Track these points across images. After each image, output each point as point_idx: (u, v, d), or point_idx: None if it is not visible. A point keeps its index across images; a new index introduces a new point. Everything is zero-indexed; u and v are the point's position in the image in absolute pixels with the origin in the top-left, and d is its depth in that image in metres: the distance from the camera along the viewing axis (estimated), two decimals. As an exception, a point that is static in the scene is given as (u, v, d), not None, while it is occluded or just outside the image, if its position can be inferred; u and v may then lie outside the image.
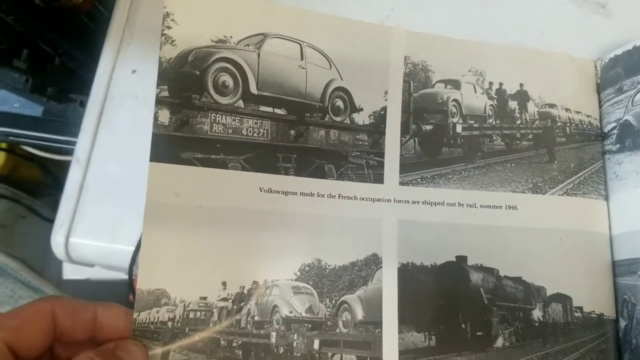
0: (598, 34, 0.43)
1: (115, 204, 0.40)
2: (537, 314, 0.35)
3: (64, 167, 0.51)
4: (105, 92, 0.43)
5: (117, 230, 0.40)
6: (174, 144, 0.32)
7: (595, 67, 0.42)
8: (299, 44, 0.36)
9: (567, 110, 0.40)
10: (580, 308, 0.36)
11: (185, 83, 0.33)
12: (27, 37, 0.49)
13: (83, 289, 0.66)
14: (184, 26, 0.34)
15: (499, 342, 0.35)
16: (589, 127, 0.40)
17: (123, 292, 0.39)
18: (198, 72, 0.33)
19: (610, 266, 0.38)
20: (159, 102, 0.33)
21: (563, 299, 0.36)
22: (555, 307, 0.36)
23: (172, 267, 0.31)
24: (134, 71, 0.43)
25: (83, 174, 0.41)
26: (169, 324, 0.31)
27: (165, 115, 0.33)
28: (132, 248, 0.38)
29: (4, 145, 0.78)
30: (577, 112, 0.40)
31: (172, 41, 0.33)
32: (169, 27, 0.33)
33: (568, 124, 0.40)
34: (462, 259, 0.35)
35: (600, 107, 0.41)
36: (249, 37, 0.35)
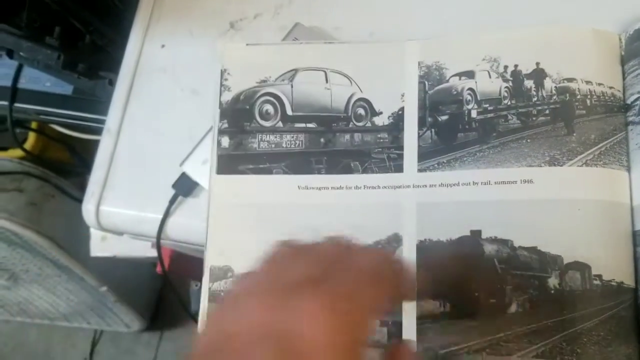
0: (624, 6, 0.41)
1: (144, 174, 0.45)
2: (553, 281, 0.36)
3: (92, 147, 0.53)
4: (135, 66, 0.48)
5: (146, 200, 0.45)
6: (232, 160, 0.43)
7: (620, 39, 0.41)
8: (324, 71, 0.44)
9: (587, 82, 0.40)
10: (600, 276, 0.36)
11: (239, 116, 0.44)
12: (59, 14, 0.52)
13: (110, 266, 0.70)
14: (235, 76, 0.45)
15: (513, 308, 0.37)
16: (612, 98, 0.40)
17: (148, 269, 0.49)
18: (248, 107, 0.44)
19: (631, 236, 0.37)
20: (221, 132, 0.44)
21: (581, 267, 0.36)
22: (572, 274, 0.36)
23: (235, 249, 0.42)
24: (163, 46, 0.48)
25: (114, 144, 0.46)
26: (233, 293, 0.41)
27: (226, 141, 0.44)
28: (160, 216, 0.44)
29: (34, 125, 0.80)
30: (599, 84, 0.40)
31: (229, 88, 0.45)
32: (225, 80, 0.45)
33: (589, 97, 0.39)
34: (476, 233, 0.38)
35: (624, 79, 0.40)
36: (284, 73, 0.44)
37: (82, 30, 0.56)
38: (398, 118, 0.42)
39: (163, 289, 1.27)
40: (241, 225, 0.42)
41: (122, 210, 0.46)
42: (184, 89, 0.49)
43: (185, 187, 0.46)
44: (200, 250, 0.43)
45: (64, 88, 0.66)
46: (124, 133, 0.48)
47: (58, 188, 0.82)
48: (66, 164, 0.88)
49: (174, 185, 0.46)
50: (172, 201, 0.46)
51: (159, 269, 0.56)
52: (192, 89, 0.49)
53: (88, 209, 0.46)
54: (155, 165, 0.46)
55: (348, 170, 0.42)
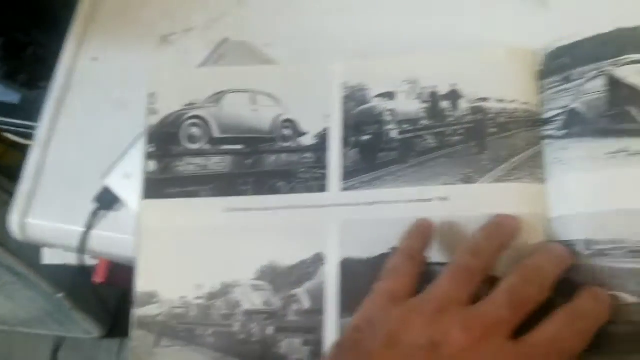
0: (540, 25, 0.43)
1: (70, 187, 0.46)
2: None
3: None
4: (67, 78, 0.49)
5: (71, 213, 0.45)
6: (159, 184, 0.43)
7: (536, 55, 0.43)
8: (251, 93, 0.45)
9: (500, 101, 0.41)
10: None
11: (166, 139, 0.44)
12: (2, 26, 0.54)
13: (67, 273, 0.71)
14: (162, 100, 0.45)
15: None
16: (526, 114, 0.41)
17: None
18: (174, 130, 0.44)
19: None
20: (149, 156, 0.44)
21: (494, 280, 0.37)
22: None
23: (160, 274, 0.42)
24: (95, 59, 0.49)
25: (42, 156, 0.47)
26: (159, 317, 0.41)
27: (153, 165, 0.44)
28: (83, 229, 0.45)
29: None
30: (512, 102, 0.41)
31: (156, 112, 0.45)
32: (152, 103, 0.45)
33: (501, 114, 0.41)
34: (396, 250, 0.39)
35: (540, 93, 0.42)
36: (211, 96, 0.45)
37: (24, 41, 0.57)
38: (323, 138, 0.43)
39: (123, 296, 1.27)
40: (168, 249, 0.43)
41: (47, 223, 0.46)
42: (114, 103, 0.50)
43: (107, 200, 0.46)
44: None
45: (11, 97, 0.66)
46: (53, 145, 0.48)
47: (11, 195, 0.84)
48: (21, 170, 0.88)
49: (96, 199, 0.46)
50: (94, 215, 0.46)
51: (96, 278, 0.56)
52: (122, 103, 0.49)
53: (13, 220, 0.46)
54: (82, 179, 0.47)
55: (274, 190, 0.43)
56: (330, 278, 0.40)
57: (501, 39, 0.44)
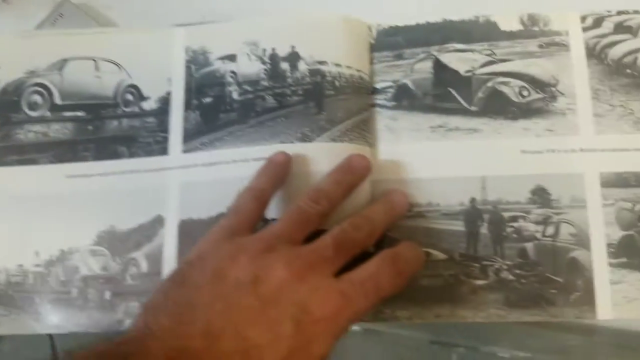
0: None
1: None
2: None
3: None
4: None
5: None
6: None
7: (370, 29, 0.45)
8: (94, 59, 0.44)
9: (337, 65, 0.42)
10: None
11: (6, 107, 0.44)
12: None
13: None
14: (3, 68, 0.45)
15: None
16: (360, 81, 0.43)
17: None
18: (15, 98, 0.44)
19: None
20: (-10, 125, 0.43)
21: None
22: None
23: (3, 243, 0.41)
24: None
25: None
26: (-3, 287, 0.40)
27: (-7, 132, 0.43)
28: None
29: None
30: (348, 67, 0.43)
31: (-2, 80, 0.44)
32: (-6, 72, 0.44)
33: (338, 78, 0.42)
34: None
35: (371, 64, 0.44)
36: (53, 63, 0.45)
37: None
38: (165, 102, 0.43)
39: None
40: (5, 218, 0.42)
41: None
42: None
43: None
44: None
45: None
46: None
47: None
48: None
49: None
50: None
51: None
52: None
53: None
54: None
55: (115, 155, 0.42)
56: (169, 240, 0.40)
57: (338, 9, 0.45)
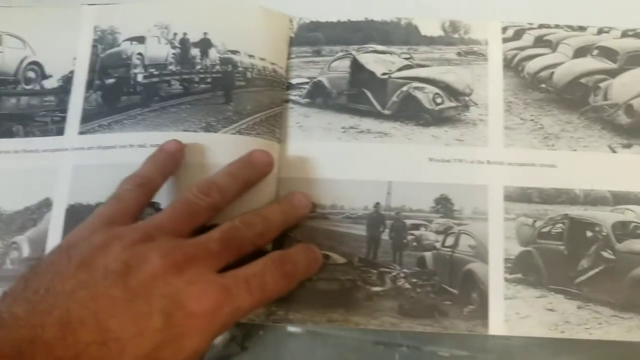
0: None
1: None
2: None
3: None
4: None
5: None
6: None
7: (292, 22, 0.44)
8: (-3, 34, 0.43)
9: (250, 56, 0.41)
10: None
11: None
12: None
13: None
14: None
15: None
16: (273, 74, 0.42)
17: None
18: None
19: None
20: None
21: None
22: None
23: None
24: None
25: None
26: None
27: None
28: None
29: None
30: (262, 59, 0.42)
31: None
32: None
33: (250, 70, 0.41)
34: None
35: (289, 58, 0.43)
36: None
37: None
38: (67, 81, 0.41)
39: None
40: None
41: None
42: None
43: None
44: None
45: None
46: None
47: None
48: None
49: None
50: None
51: None
52: None
53: None
54: None
55: (10, 134, 0.40)
56: (55, 224, 0.38)
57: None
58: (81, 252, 0.30)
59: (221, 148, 0.39)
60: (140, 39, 0.41)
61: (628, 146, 0.40)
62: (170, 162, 0.37)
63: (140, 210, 0.34)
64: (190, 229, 0.33)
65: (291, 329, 0.40)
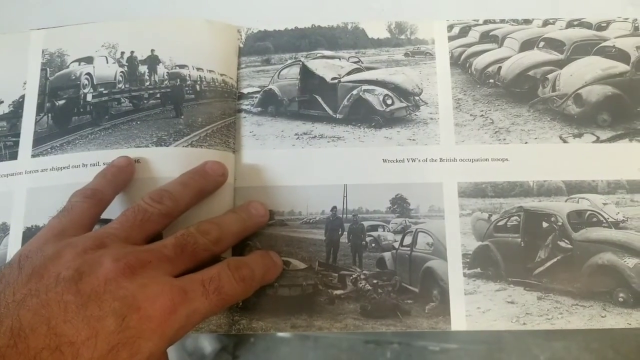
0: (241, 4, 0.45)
1: None
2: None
3: None
4: None
5: None
6: None
7: (240, 33, 0.44)
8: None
9: (199, 69, 0.42)
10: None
11: None
12: None
13: None
14: None
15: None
16: (223, 85, 0.42)
17: None
18: None
19: None
20: None
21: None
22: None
23: None
24: None
25: None
26: None
27: None
28: None
29: None
30: (211, 71, 0.42)
31: None
32: None
33: (199, 82, 0.41)
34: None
35: (239, 68, 0.43)
36: None
37: None
38: (18, 106, 0.42)
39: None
40: None
41: None
42: None
43: None
44: None
45: None
46: None
47: None
48: None
49: None
50: None
51: None
52: None
53: None
54: None
55: (-38, 161, 0.40)
56: (12, 250, 0.38)
57: (211, 12, 0.44)
58: (33, 262, 0.30)
59: (174, 161, 0.39)
60: (89, 59, 0.42)
61: (579, 135, 0.41)
62: (120, 176, 0.37)
63: (92, 221, 0.35)
64: (144, 237, 0.34)
65: (281, 334, 0.40)
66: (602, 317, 0.37)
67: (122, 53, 0.42)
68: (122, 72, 0.41)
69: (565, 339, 0.39)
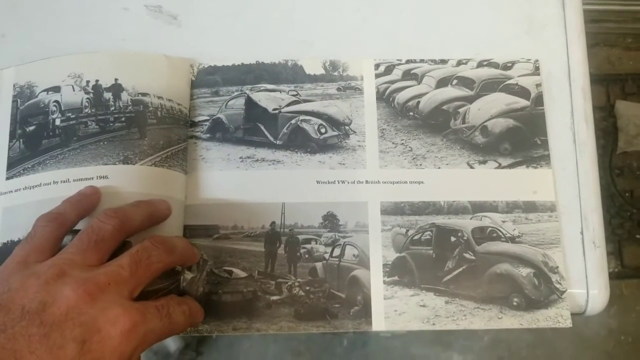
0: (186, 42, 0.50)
1: None
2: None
3: None
4: None
5: None
6: None
7: (192, 67, 0.50)
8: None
9: (159, 97, 0.47)
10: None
11: None
12: None
13: None
14: None
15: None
16: (179, 113, 0.48)
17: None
18: None
19: (182, 229, 0.46)
20: None
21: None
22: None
23: None
24: None
25: None
26: None
27: None
28: None
29: None
30: (169, 100, 0.48)
31: None
32: None
33: (160, 109, 0.47)
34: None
35: (191, 99, 0.49)
36: None
37: None
38: (-8, 137, 0.46)
39: None
40: None
41: None
42: None
43: None
44: None
45: None
46: None
47: None
48: None
49: None
50: None
51: None
52: None
53: None
54: None
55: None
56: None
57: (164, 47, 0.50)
58: (0, 296, 0.32)
59: (140, 178, 0.44)
60: (56, 89, 0.47)
61: (483, 162, 0.47)
62: (85, 202, 0.41)
63: (55, 244, 0.38)
64: (100, 257, 0.36)
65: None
66: (499, 318, 0.44)
67: (88, 82, 0.46)
68: (87, 98, 0.46)
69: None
